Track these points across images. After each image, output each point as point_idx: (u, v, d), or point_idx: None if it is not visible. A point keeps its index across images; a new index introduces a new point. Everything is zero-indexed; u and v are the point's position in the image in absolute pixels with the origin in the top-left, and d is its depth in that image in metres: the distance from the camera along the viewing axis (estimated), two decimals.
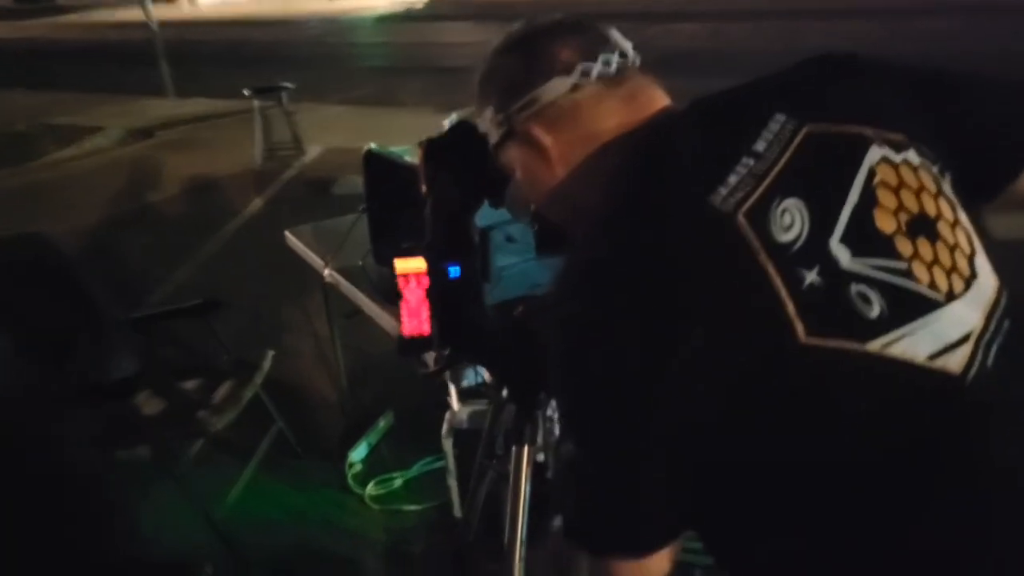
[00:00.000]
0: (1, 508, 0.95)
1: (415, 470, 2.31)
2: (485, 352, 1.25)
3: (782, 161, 0.69)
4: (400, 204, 1.68)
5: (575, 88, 0.77)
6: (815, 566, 0.69)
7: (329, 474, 2.33)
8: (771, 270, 0.64)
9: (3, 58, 12.86)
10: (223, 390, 2.15)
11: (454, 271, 1.11)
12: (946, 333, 0.67)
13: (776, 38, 8.44)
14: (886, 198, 0.70)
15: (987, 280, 0.72)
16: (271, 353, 2.28)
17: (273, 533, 2.13)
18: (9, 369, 0.97)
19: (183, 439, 2.05)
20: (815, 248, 0.66)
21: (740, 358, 0.64)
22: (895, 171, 0.71)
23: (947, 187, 0.73)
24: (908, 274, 0.68)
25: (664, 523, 0.72)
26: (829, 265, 0.66)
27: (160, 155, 6.25)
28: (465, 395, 2.08)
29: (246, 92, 5.71)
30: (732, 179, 0.68)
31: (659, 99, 0.80)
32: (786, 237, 0.66)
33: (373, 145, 1.86)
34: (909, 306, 0.67)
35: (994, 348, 0.69)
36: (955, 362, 0.66)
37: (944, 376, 0.66)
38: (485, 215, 1.45)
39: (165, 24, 8.61)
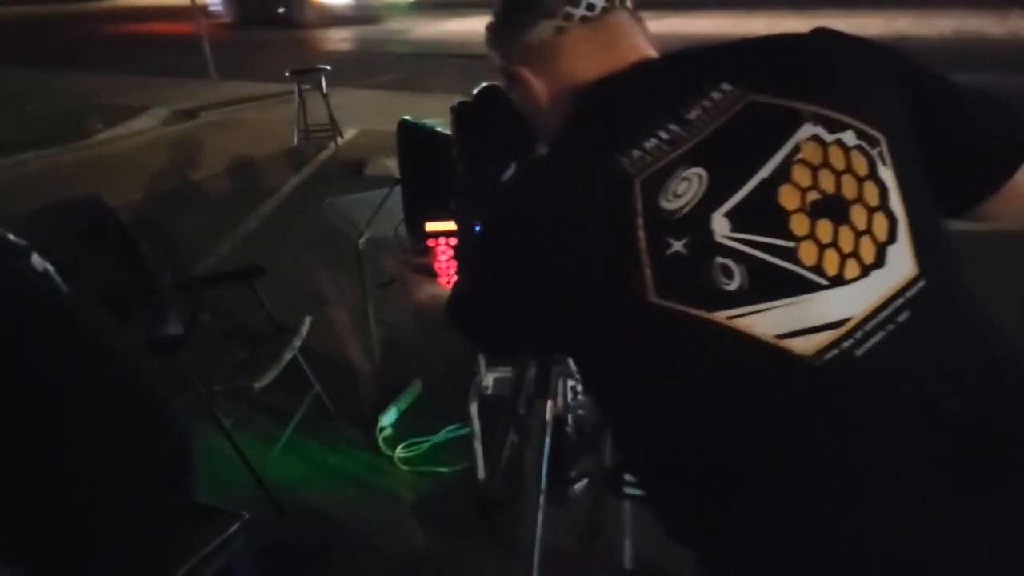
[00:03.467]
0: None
1: (442, 435, 2.40)
2: None
3: (708, 130, 0.73)
4: (433, 173, 1.76)
5: (559, 30, 0.82)
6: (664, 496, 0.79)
7: (361, 437, 2.44)
8: (640, 234, 0.70)
9: (56, 41, 13.28)
10: (263, 353, 2.26)
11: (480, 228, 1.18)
12: (811, 316, 0.68)
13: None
14: (800, 175, 0.71)
15: (897, 270, 0.71)
16: (309, 319, 2.39)
17: (308, 489, 2.25)
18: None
19: (227, 396, 2.17)
20: (694, 220, 0.71)
21: (601, 304, 0.73)
22: (822, 150, 0.72)
23: (885, 172, 0.73)
24: (790, 253, 0.70)
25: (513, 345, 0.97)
26: (701, 236, 0.70)
27: (203, 135, 6.44)
28: (492, 361, 2.16)
29: (287, 74, 5.85)
30: (649, 144, 0.73)
31: (639, 49, 0.84)
32: (670, 205, 0.71)
33: (407, 117, 1.94)
34: (775, 285, 0.69)
35: (875, 338, 0.69)
36: (808, 345, 0.68)
37: (789, 355, 0.68)
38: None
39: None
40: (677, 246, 0.70)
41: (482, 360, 2.20)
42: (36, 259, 1.06)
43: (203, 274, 3.18)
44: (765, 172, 0.71)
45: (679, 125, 0.74)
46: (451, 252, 1.34)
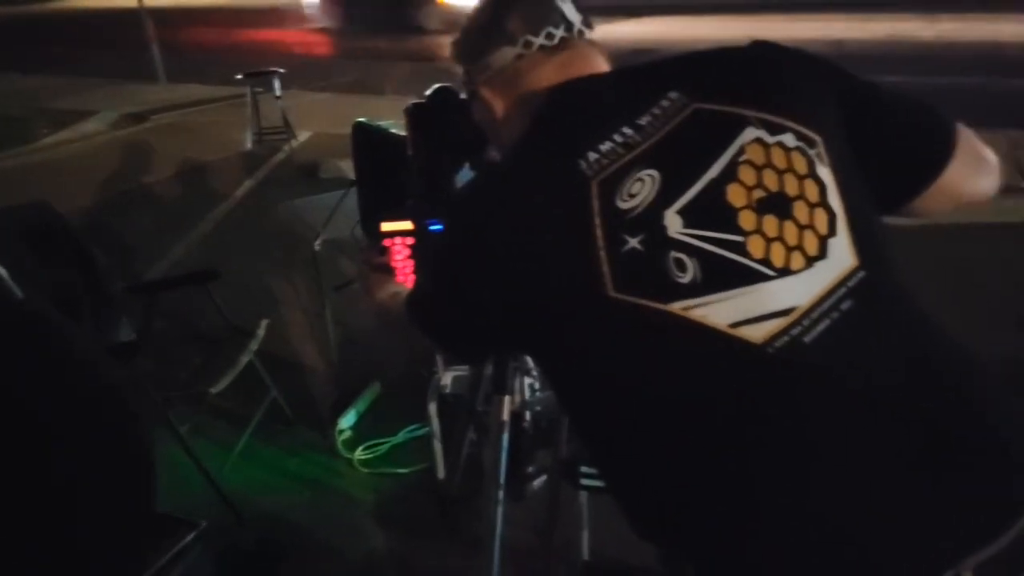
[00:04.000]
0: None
1: (401, 436, 2.41)
2: None
3: (659, 135, 0.78)
4: (387, 174, 1.78)
5: (519, 57, 0.87)
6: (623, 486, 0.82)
7: (320, 440, 2.43)
8: (598, 232, 0.74)
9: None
10: (219, 357, 2.24)
11: (435, 227, 1.21)
12: (761, 305, 0.73)
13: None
14: (746, 175, 0.76)
15: (839, 262, 0.75)
16: (265, 322, 2.37)
17: (266, 494, 2.23)
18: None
19: (182, 401, 2.14)
20: (649, 217, 0.75)
21: (562, 302, 0.76)
22: (765, 151, 0.77)
23: (823, 171, 0.78)
24: (740, 247, 0.74)
25: (473, 345, 0.96)
26: (655, 233, 0.75)
27: (154, 139, 6.31)
28: (450, 361, 2.17)
29: (239, 77, 5.78)
30: (604, 147, 0.78)
31: (594, 66, 0.88)
32: (625, 205, 0.75)
33: (362, 119, 1.95)
34: (726, 276, 0.73)
35: (821, 325, 0.73)
36: (759, 333, 0.72)
37: (741, 343, 0.72)
38: (469, 177, 1.55)
39: (156, 10, 8.62)
40: (633, 243, 0.74)
41: (440, 359, 2.22)
42: None
43: (156, 278, 3.12)
44: (713, 172, 0.76)
45: (633, 130, 0.79)
46: (407, 251, 1.36)
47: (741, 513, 0.73)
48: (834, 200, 0.77)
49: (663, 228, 0.75)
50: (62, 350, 1.09)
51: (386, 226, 1.38)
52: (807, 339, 0.72)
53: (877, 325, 0.76)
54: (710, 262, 0.74)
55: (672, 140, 0.78)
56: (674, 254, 0.74)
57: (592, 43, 0.90)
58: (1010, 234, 3.36)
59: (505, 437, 1.46)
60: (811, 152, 0.78)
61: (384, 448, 2.38)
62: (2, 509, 1.00)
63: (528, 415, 1.72)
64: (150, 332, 2.20)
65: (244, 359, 2.21)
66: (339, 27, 11.83)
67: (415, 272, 1.23)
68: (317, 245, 2.19)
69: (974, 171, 0.85)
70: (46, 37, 13.99)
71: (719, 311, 0.73)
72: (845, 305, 0.74)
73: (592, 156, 0.77)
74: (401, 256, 1.37)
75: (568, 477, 1.38)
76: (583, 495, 1.64)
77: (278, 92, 5.73)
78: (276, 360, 2.54)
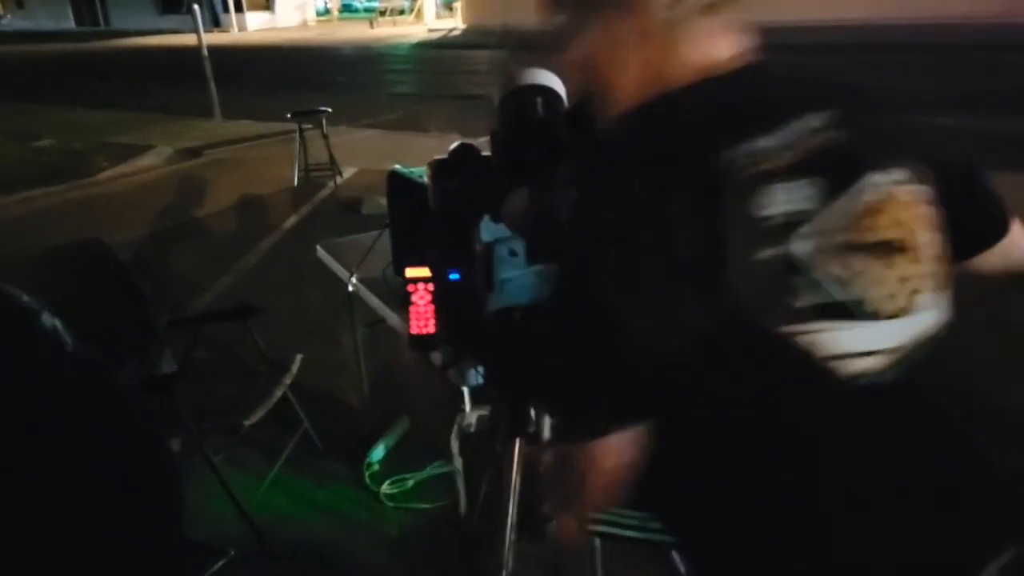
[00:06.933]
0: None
1: (426, 472, 2.45)
2: (481, 349, 1.40)
3: (799, 150, 0.76)
4: (418, 220, 1.85)
5: (672, 5, 0.80)
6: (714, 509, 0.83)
7: (348, 473, 2.49)
8: (731, 235, 0.73)
9: (66, 78, 13.51)
10: (255, 390, 2.32)
11: (454, 276, 1.27)
12: (860, 342, 0.76)
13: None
14: (869, 214, 0.77)
15: (935, 315, 0.80)
16: (299, 357, 2.46)
17: (294, 524, 2.29)
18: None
19: (217, 432, 2.23)
20: (782, 232, 0.74)
21: (686, 298, 0.75)
22: (888, 194, 0.78)
23: (937, 219, 0.80)
24: (854, 283, 0.76)
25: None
26: (783, 250, 0.74)
27: (206, 173, 6.58)
28: (477, 400, 2.22)
29: (288, 116, 6.02)
30: (750, 147, 0.75)
31: (742, 42, 0.83)
32: (763, 212, 0.74)
33: (397, 166, 2.04)
34: (837, 309, 0.75)
35: (901, 371, 0.77)
36: (852, 368, 0.76)
37: (835, 375, 0.75)
38: (491, 230, 1.61)
39: (215, 48, 9.03)
40: (762, 254, 0.74)
41: (467, 397, 2.26)
42: (46, 317, 1.15)
43: (200, 311, 3.26)
44: (840, 206, 0.76)
45: (776, 140, 0.76)
46: (428, 297, 1.43)
47: (809, 537, 0.78)
48: (943, 251, 0.80)
49: (793, 248, 0.75)
50: (106, 394, 1.18)
51: (410, 272, 1.45)
52: (886, 380, 0.77)
53: (942, 386, 0.81)
54: (825, 293, 0.75)
55: (808, 164, 0.76)
56: (798, 278, 0.75)
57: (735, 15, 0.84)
58: None
59: (517, 482, 1.49)
60: (928, 197, 0.80)
61: (409, 484, 2.42)
62: (28, 538, 1.08)
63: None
64: (190, 364, 2.30)
65: (278, 392, 2.29)
66: None
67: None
68: (351, 284, 2.27)
69: None
70: (111, 73, 14.71)
71: (823, 341, 0.75)
72: (924, 354, 0.78)
73: (742, 150, 0.75)
74: (423, 301, 1.43)
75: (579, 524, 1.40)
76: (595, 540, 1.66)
77: (325, 130, 5.94)
78: (309, 393, 2.62)
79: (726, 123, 0.77)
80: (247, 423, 2.15)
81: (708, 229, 0.74)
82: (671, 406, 0.81)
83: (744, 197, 0.74)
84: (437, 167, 1.24)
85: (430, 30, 19.20)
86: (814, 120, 0.77)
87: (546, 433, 1.69)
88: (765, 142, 0.75)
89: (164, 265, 4.36)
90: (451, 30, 18.99)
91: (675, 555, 1.46)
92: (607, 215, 0.76)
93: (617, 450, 0.84)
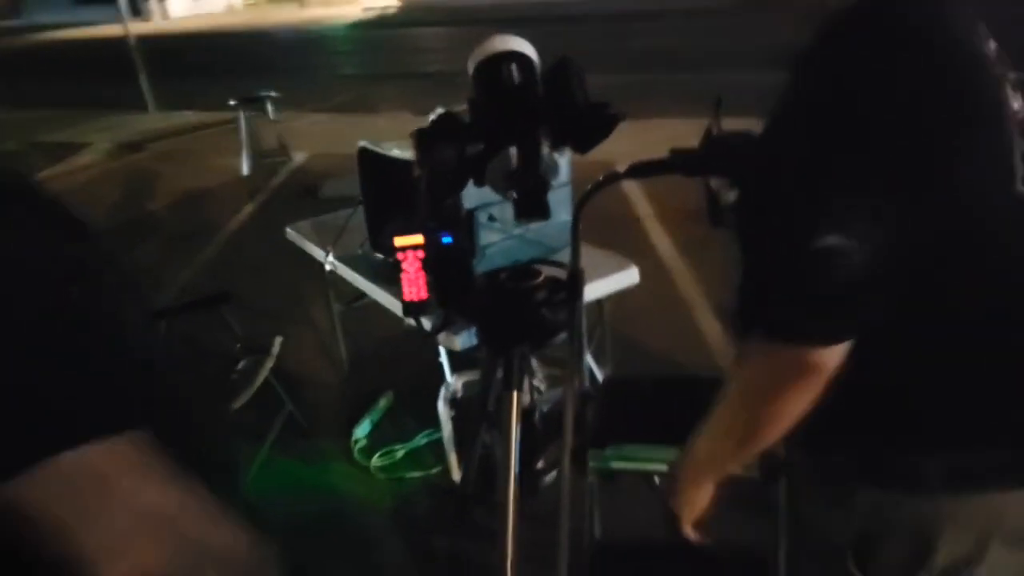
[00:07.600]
0: None
1: (415, 441, 2.51)
2: (473, 308, 1.46)
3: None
4: (392, 194, 1.89)
5: None
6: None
7: (336, 450, 2.53)
8: (1007, 127, 0.78)
9: None
10: (236, 374, 2.34)
11: (446, 239, 1.32)
12: None
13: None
14: None
15: None
16: (279, 339, 2.47)
17: (286, 504, 2.32)
18: None
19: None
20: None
21: (972, 187, 0.78)
22: None
23: None
24: None
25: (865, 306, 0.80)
26: None
27: (151, 168, 6.41)
28: (458, 366, 2.28)
29: (232, 103, 5.87)
30: (989, 49, 0.81)
31: None
32: (1017, 106, 0.81)
33: (366, 143, 2.06)
34: None
35: None
36: None
37: None
38: (471, 197, 1.66)
39: (140, 38, 8.71)
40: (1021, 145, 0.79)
41: (447, 365, 2.31)
42: None
43: (167, 305, 3.20)
44: None
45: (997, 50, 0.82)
46: (419, 263, 1.47)
47: None
48: None
49: None
50: None
51: (399, 241, 1.49)
52: None
53: None
54: None
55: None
56: None
57: None
58: None
59: (516, 432, 1.56)
60: None
61: (399, 454, 2.48)
62: None
63: (538, 413, 1.82)
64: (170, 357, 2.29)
65: (261, 376, 2.31)
66: None
67: None
68: (327, 263, 2.29)
69: None
70: (32, 69, 14.07)
71: None
72: None
73: (988, 52, 0.80)
74: (413, 268, 1.48)
75: (577, 462, 1.48)
76: (592, 481, 1.74)
77: (272, 115, 5.83)
78: (290, 374, 2.64)
79: (975, 22, 0.81)
80: (232, 408, 2.17)
81: (994, 122, 0.78)
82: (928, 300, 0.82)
83: (1007, 91, 0.80)
84: (421, 136, 1.28)
85: (365, 9, 18.81)
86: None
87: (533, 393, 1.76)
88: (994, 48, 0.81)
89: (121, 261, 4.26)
90: (386, 8, 18.67)
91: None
92: (862, 94, 0.75)
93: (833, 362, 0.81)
